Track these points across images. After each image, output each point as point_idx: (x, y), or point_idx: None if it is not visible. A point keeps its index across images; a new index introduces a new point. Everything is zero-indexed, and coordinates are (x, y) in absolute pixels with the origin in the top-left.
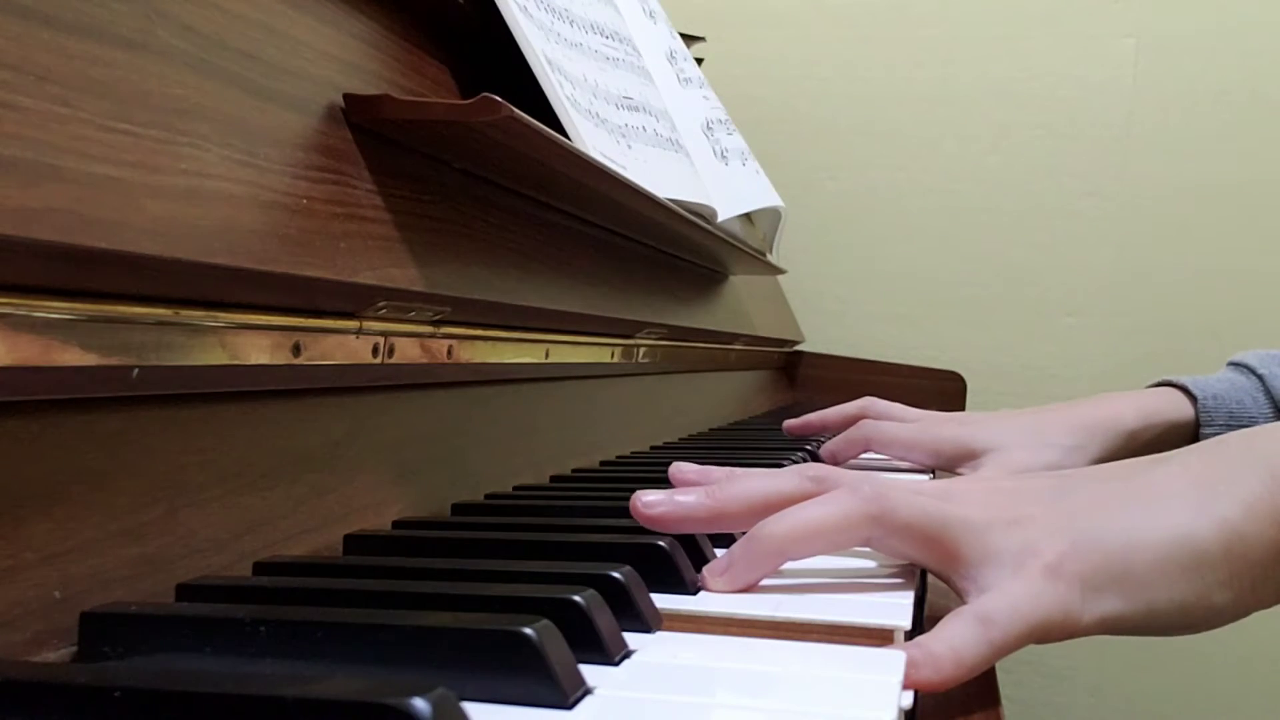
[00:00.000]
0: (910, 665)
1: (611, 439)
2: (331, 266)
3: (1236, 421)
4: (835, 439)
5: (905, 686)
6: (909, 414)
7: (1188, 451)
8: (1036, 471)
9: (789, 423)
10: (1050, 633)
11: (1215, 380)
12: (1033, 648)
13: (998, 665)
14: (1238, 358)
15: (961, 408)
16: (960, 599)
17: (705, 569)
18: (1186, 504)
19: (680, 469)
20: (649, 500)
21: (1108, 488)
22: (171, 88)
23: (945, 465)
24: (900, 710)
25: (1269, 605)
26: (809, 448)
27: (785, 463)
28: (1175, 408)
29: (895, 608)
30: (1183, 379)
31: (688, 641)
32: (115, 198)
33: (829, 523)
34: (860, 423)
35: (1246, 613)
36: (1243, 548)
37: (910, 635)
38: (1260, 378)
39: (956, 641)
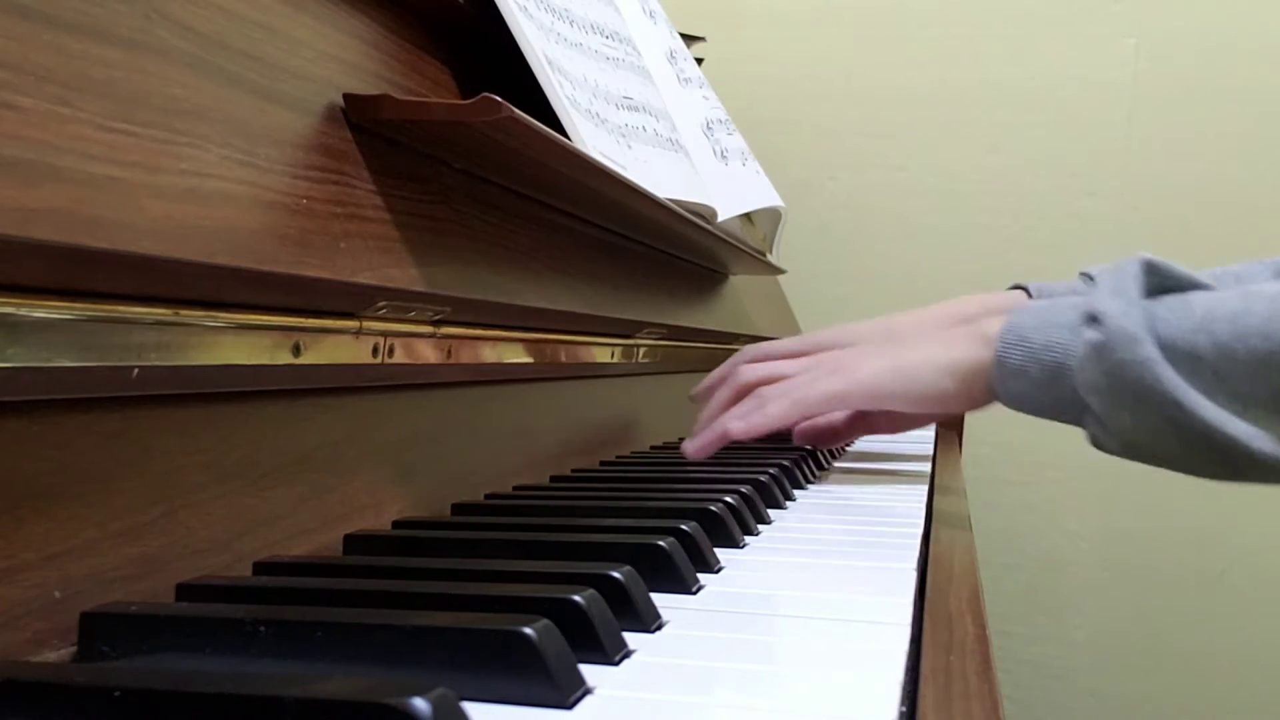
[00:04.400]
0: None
1: (611, 439)
2: (331, 266)
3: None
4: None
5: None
6: (775, 348)
7: (945, 319)
8: None
9: (695, 390)
10: (841, 401)
11: (1059, 285)
12: (1032, 649)
13: (997, 665)
14: (1087, 268)
15: None
16: None
17: (797, 434)
18: (940, 343)
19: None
20: (685, 448)
21: (902, 329)
22: (171, 88)
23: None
24: (899, 712)
25: (976, 406)
26: (806, 449)
27: (782, 459)
28: (1014, 303)
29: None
30: (1030, 283)
31: (688, 641)
32: (115, 198)
33: (772, 421)
34: (734, 360)
35: (964, 407)
36: (962, 368)
37: (911, 643)
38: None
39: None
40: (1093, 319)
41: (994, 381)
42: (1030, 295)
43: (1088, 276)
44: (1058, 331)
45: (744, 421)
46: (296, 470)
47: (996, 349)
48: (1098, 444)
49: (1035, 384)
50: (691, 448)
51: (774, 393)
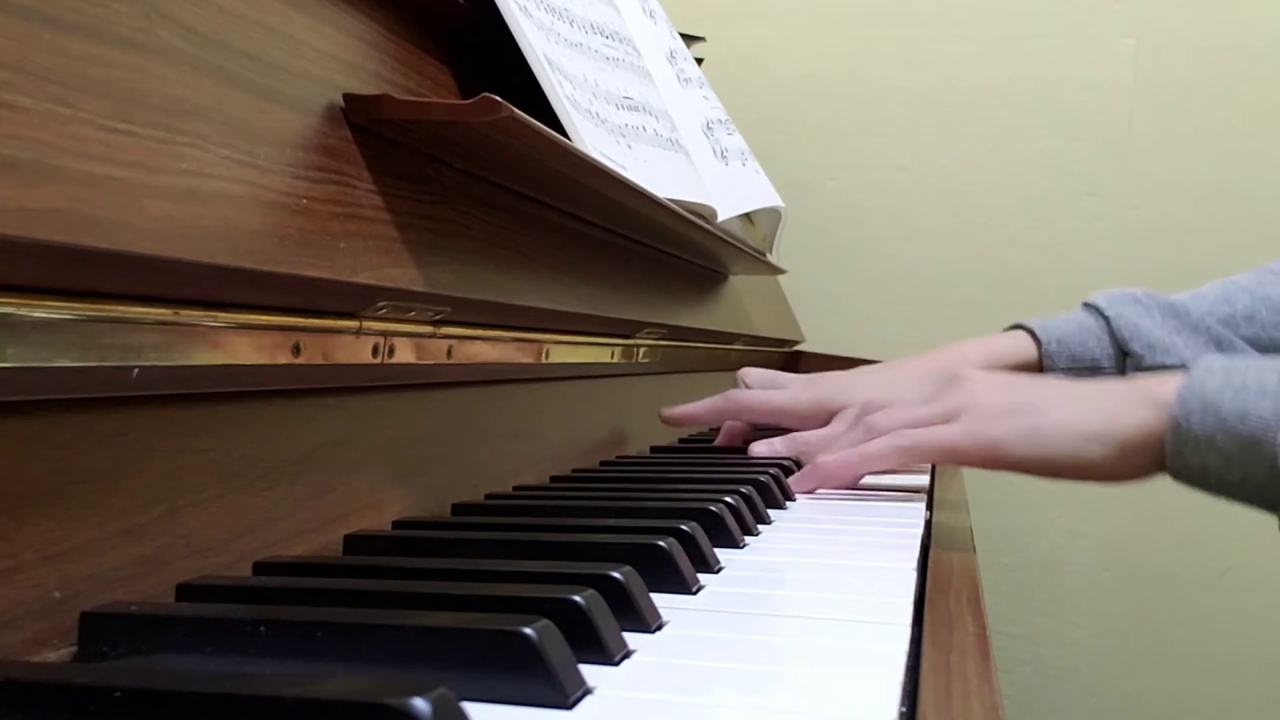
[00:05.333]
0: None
1: (611, 439)
2: (331, 266)
3: (1078, 364)
4: (718, 420)
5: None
6: (779, 379)
7: (1105, 381)
8: None
9: (665, 411)
10: (966, 456)
11: (1063, 323)
12: (1032, 649)
13: (998, 666)
14: (1091, 298)
15: None
16: None
17: (794, 480)
18: (1095, 405)
19: (744, 375)
20: (758, 448)
21: (1048, 389)
22: (171, 88)
23: (811, 426)
24: (899, 713)
25: (1134, 478)
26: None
27: (782, 460)
28: (1020, 350)
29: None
30: (1032, 321)
31: (688, 641)
32: (115, 198)
33: (873, 459)
34: (729, 395)
35: (1119, 478)
36: (1123, 431)
37: (912, 643)
38: (1107, 319)
39: (873, 448)
40: None
41: (1168, 452)
42: (1037, 337)
43: (1093, 308)
44: (1257, 399)
45: (837, 459)
46: (296, 470)
47: (1173, 414)
48: None
49: (1223, 458)
50: (797, 487)
51: (881, 424)
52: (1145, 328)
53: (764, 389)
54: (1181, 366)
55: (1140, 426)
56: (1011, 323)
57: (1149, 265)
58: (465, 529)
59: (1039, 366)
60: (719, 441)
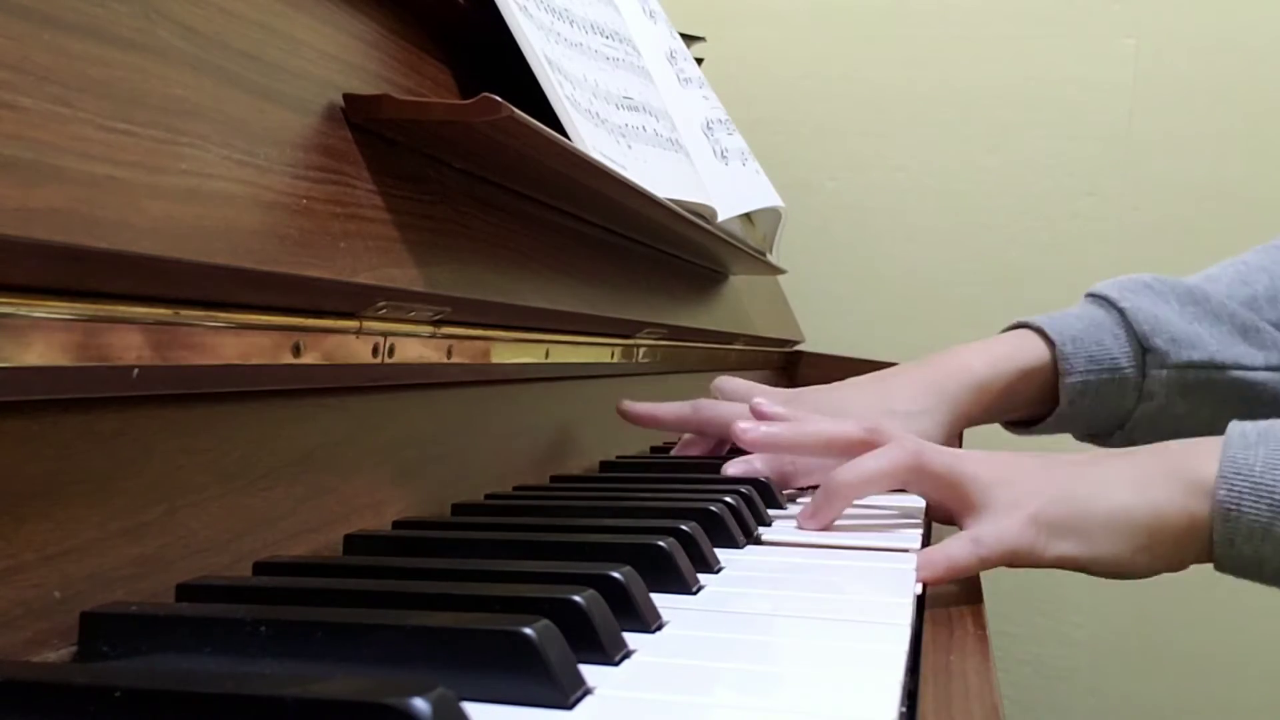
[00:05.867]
0: (929, 566)
1: (611, 439)
2: (331, 266)
3: (1096, 365)
4: (680, 429)
5: (924, 576)
6: (755, 390)
7: (1137, 450)
8: None
9: (624, 404)
10: (1020, 559)
11: (1074, 318)
12: (1032, 649)
13: (998, 666)
14: (1096, 289)
15: None
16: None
17: (799, 515)
18: (1131, 489)
19: (760, 406)
20: (744, 426)
21: (1077, 469)
22: (171, 88)
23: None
24: (899, 713)
25: (1176, 569)
26: None
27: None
28: (1029, 352)
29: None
30: (1039, 319)
31: (688, 641)
32: (115, 198)
33: (882, 471)
34: (698, 404)
35: (1157, 572)
36: (1160, 527)
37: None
38: (1121, 311)
39: (951, 551)
40: None
41: (1217, 542)
42: (1048, 338)
43: (1102, 299)
44: None
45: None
46: (296, 470)
47: (1221, 501)
48: None
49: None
50: (811, 524)
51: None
52: (1165, 318)
53: (742, 398)
54: (1210, 363)
55: (1180, 514)
56: (1013, 321)
57: (1149, 265)
58: (465, 529)
59: (1053, 368)
60: (675, 452)
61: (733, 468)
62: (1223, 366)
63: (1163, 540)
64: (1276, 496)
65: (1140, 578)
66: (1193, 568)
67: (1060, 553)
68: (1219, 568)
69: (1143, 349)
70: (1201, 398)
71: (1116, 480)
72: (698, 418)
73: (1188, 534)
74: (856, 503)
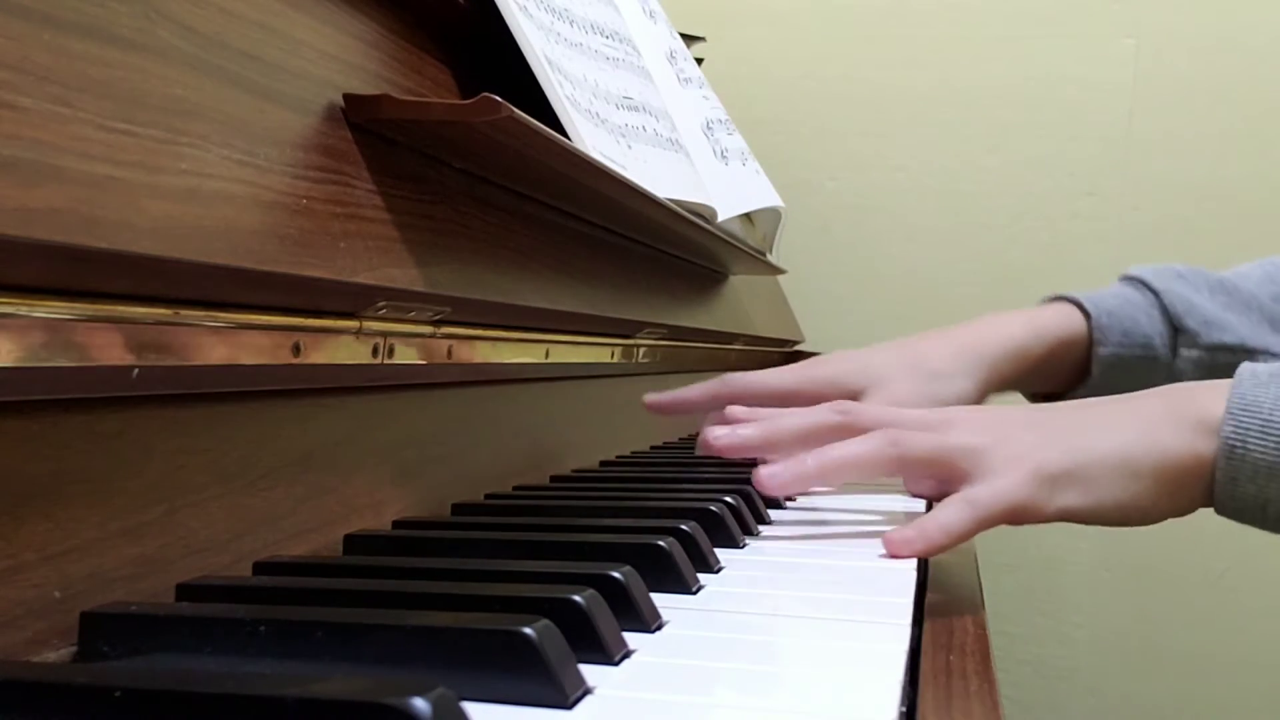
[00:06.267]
0: (905, 542)
1: (611, 439)
2: (331, 266)
3: (1129, 340)
4: (713, 405)
5: (903, 555)
6: (767, 376)
7: (1139, 394)
8: (951, 405)
9: (650, 398)
10: (1023, 514)
11: (1110, 296)
12: (1032, 649)
13: (998, 666)
14: (1133, 271)
15: None
16: None
17: (761, 469)
18: (1135, 431)
19: (733, 410)
20: (716, 434)
21: (1075, 415)
22: (171, 88)
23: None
24: (899, 713)
25: (1183, 513)
26: None
27: None
28: (1068, 323)
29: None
30: (1076, 294)
31: (688, 641)
32: (115, 198)
33: (859, 460)
34: (726, 378)
35: (1165, 516)
36: (1167, 467)
37: (912, 653)
38: (1156, 293)
39: (943, 517)
40: None
41: (1219, 481)
42: (1085, 310)
43: (1138, 281)
44: None
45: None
46: (296, 470)
47: (1226, 437)
48: None
49: None
50: (769, 483)
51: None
52: (1198, 303)
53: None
54: (1241, 347)
55: (1185, 454)
56: (1050, 294)
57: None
58: (465, 529)
59: (1088, 340)
60: (705, 430)
61: (714, 433)
62: (1252, 351)
63: (1169, 482)
64: None
65: (1147, 523)
66: (1194, 568)
67: (1064, 504)
68: (1220, 510)
69: (1175, 329)
70: None
71: (1118, 423)
72: (729, 390)
73: (1194, 474)
74: (857, 506)
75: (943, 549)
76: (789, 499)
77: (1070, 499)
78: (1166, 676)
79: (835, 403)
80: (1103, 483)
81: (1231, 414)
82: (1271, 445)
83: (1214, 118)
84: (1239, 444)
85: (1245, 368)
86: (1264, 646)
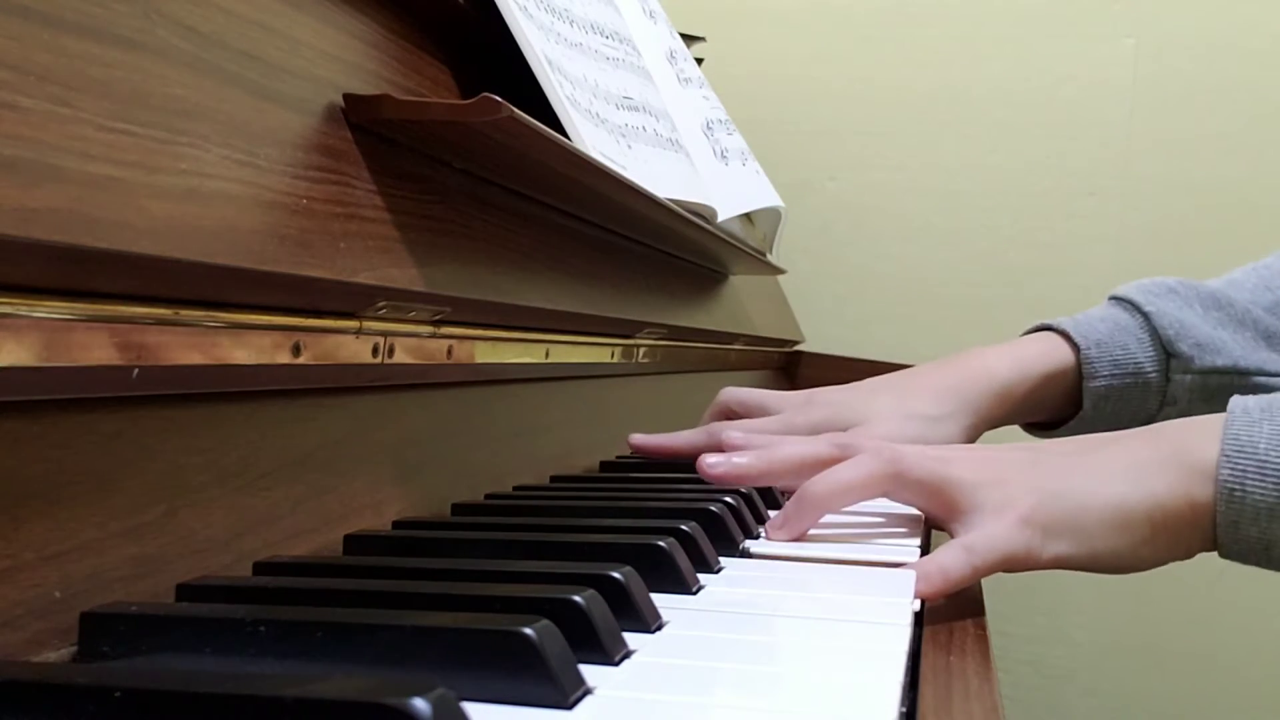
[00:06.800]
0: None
1: (611, 439)
2: (331, 266)
3: (1120, 370)
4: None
5: (921, 593)
6: (769, 401)
7: (1131, 435)
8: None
9: (635, 439)
10: (1017, 563)
11: (1098, 321)
12: (1032, 649)
13: (998, 666)
14: (1119, 291)
15: None
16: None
17: (767, 524)
18: (1126, 480)
19: (729, 436)
20: (711, 461)
21: (1068, 461)
22: (171, 88)
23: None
24: (899, 713)
25: (1181, 559)
26: None
27: None
28: (1055, 356)
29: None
30: (1063, 322)
31: (688, 641)
32: (115, 198)
33: (857, 481)
34: (711, 430)
35: (1163, 562)
36: (1162, 517)
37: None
38: (1146, 315)
39: (944, 561)
40: None
41: (1221, 526)
42: (1073, 341)
43: (1126, 302)
44: None
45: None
46: (296, 470)
47: (1224, 481)
48: None
49: None
50: (780, 534)
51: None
52: (1190, 323)
53: (753, 412)
54: (1234, 369)
55: (1180, 501)
56: (1035, 324)
57: (1149, 265)
58: (465, 529)
59: (1076, 372)
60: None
61: (710, 461)
62: (1245, 373)
63: (1164, 530)
64: None
65: (1144, 569)
66: (1194, 568)
67: (1057, 553)
68: (1224, 554)
69: (1167, 354)
70: (1224, 403)
71: (1110, 471)
72: (713, 443)
73: (1190, 521)
74: (856, 508)
75: (940, 594)
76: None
77: (1063, 548)
78: (1166, 676)
79: (833, 434)
80: (1096, 533)
81: (1227, 457)
82: (1270, 486)
83: (1214, 118)
84: (1237, 487)
85: (1236, 403)
86: (1264, 646)
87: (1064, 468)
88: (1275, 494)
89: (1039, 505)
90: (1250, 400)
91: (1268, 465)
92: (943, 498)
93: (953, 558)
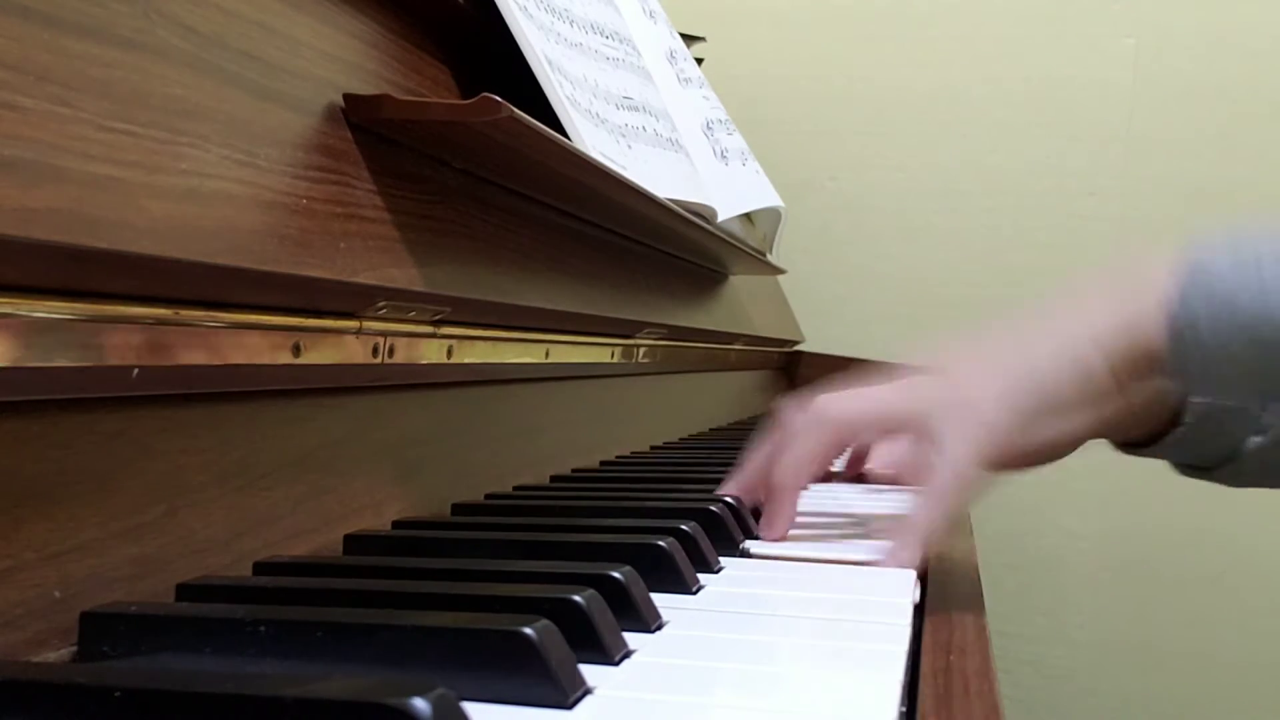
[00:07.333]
0: (891, 556)
1: (611, 439)
2: (331, 266)
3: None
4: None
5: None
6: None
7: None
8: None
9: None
10: (999, 463)
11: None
12: (1032, 649)
13: (998, 667)
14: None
15: None
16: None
17: (759, 529)
18: (1063, 338)
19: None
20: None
21: (1008, 348)
22: (171, 88)
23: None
24: (899, 712)
25: (1134, 397)
26: None
27: None
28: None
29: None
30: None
31: (688, 641)
32: (115, 198)
33: (809, 451)
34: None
35: (1133, 413)
36: (1109, 345)
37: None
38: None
39: (914, 520)
40: None
41: (1170, 349)
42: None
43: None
44: None
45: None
46: (296, 470)
47: (1173, 299)
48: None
49: (1244, 354)
50: (770, 534)
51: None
52: None
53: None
54: None
55: (1133, 322)
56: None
57: None
58: (465, 529)
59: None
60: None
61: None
62: None
63: (1107, 351)
64: (1239, 292)
65: (1091, 421)
66: (1193, 568)
67: (1044, 439)
68: (1180, 385)
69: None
70: None
71: (1048, 334)
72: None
73: (1138, 344)
74: (857, 509)
75: (925, 551)
76: None
77: (1048, 431)
78: (1166, 676)
79: (782, 423)
80: (1044, 374)
81: (1184, 277)
82: (1221, 306)
83: (1214, 118)
84: (1188, 304)
85: (1191, 243)
86: (1264, 646)
87: (1008, 357)
88: (1218, 318)
89: (1000, 396)
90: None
91: (1220, 285)
92: (890, 424)
93: (928, 513)
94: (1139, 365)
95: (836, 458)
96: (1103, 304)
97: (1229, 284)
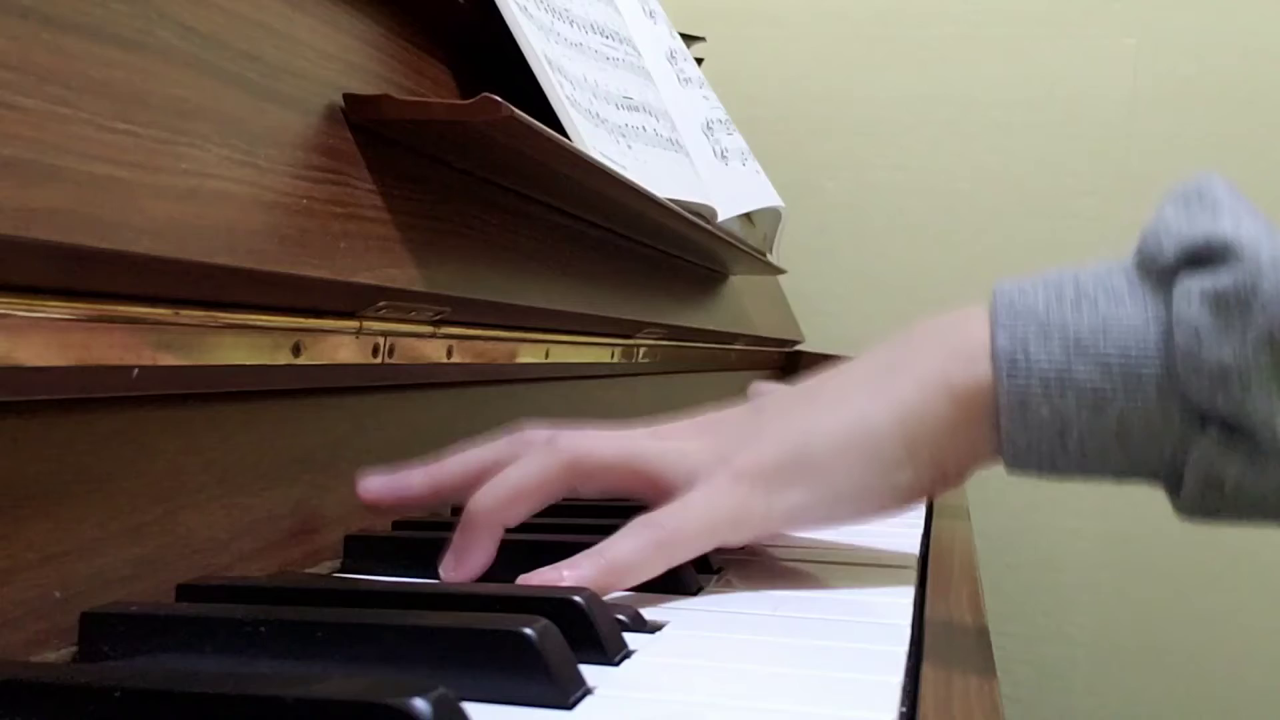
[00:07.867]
0: (570, 573)
1: None
2: (331, 266)
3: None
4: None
5: (571, 582)
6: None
7: (877, 347)
8: None
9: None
10: (737, 529)
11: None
12: (1032, 649)
13: (998, 666)
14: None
15: None
16: None
17: (440, 567)
18: (864, 393)
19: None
20: (367, 484)
21: (795, 395)
22: (171, 88)
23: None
24: (899, 713)
25: (955, 482)
26: None
27: None
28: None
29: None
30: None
31: (688, 641)
32: (116, 198)
33: (529, 482)
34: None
35: (933, 489)
36: (917, 423)
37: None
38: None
39: (619, 548)
40: (1208, 255)
41: (1004, 410)
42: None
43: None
44: (1119, 302)
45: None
46: (296, 470)
47: (1000, 349)
48: (1197, 507)
49: (1092, 398)
50: (455, 575)
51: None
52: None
53: None
54: None
55: (940, 392)
56: None
57: None
58: None
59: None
60: None
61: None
62: None
63: (923, 441)
64: (1070, 333)
65: (917, 499)
66: (1193, 568)
67: (788, 506)
68: (1011, 459)
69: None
70: None
71: (844, 391)
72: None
73: (956, 421)
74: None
75: (610, 589)
76: None
77: (796, 498)
78: (1166, 676)
79: (516, 433)
80: (834, 468)
81: (1002, 325)
82: (1057, 347)
83: (1214, 118)
84: (1019, 353)
85: (1000, 281)
86: (1264, 646)
87: (790, 403)
88: (1061, 355)
89: (758, 454)
90: (1017, 278)
91: (1051, 326)
92: (644, 476)
93: (630, 542)
94: (945, 435)
95: (554, 501)
96: (905, 373)
97: (1053, 316)
